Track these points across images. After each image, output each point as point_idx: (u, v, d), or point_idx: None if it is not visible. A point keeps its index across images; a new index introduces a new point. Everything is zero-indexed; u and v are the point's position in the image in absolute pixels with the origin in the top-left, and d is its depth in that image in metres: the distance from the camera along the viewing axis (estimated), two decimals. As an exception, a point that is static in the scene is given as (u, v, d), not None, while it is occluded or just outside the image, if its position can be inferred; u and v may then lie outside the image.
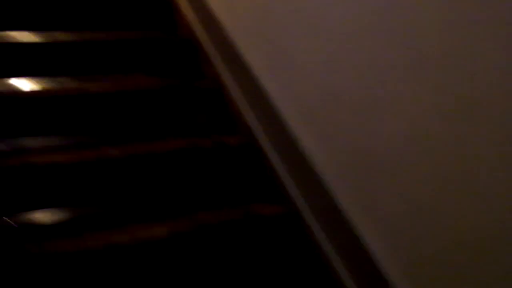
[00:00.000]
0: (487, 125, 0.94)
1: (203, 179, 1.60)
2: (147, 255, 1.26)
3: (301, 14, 1.46)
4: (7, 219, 1.33)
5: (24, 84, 1.74)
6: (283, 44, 1.56)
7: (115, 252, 1.23)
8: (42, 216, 1.37)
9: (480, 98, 0.94)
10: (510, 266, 0.91)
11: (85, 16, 2.10)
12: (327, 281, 1.34)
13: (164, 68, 2.02)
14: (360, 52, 1.22)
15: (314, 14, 1.40)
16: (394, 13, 1.12)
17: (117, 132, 1.71)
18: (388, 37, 1.14)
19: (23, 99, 1.59)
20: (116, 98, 1.71)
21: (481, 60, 0.94)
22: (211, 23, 1.97)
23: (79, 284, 1.19)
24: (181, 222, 1.35)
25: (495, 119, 0.92)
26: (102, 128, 1.69)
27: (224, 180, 1.63)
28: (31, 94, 1.60)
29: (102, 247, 1.20)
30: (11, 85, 1.72)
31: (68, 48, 1.88)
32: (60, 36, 1.91)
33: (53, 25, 2.03)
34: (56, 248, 1.21)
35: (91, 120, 1.68)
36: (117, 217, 1.41)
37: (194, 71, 2.06)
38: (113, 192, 1.48)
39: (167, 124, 1.79)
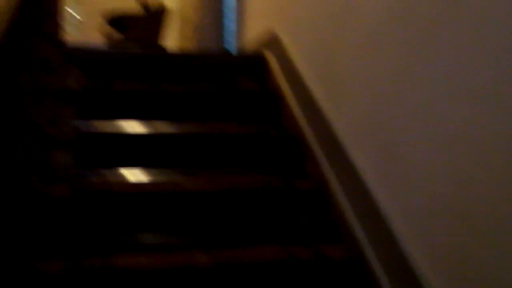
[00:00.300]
0: None
1: (299, 296, 1.41)
2: None
3: (421, 116, 1.28)
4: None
5: (119, 176, 1.69)
6: (397, 149, 1.37)
7: None
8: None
9: None
10: None
11: (190, 106, 2.07)
12: None
13: (265, 164, 1.90)
14: (502, 167, 1.01)
15: (438, 116, 1.21)
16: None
17: (210, 234, 1.58)
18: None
19: (115, 193, 1.52)
20: (212, 197, 1.60)
21: None
22: (317, 118, 1.85)
23: None
24: None
25: None
26: (195, 228, 1.58)
27: (323, 299, 1.43)
28: (123, 189, 1.53)
29: None
30: (105, 176, 1.67)
31: (169, 139, 1.83)
32: (162, 126, 1.88)
33: (157, 114, 2.01)
34: None
35: (183, 219, 1.57)
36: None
37: (297, 169, 1.92)
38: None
39: (264, 226, 1.64)
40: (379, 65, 1.47)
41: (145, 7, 4.13)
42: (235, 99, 2.12)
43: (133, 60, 2.24)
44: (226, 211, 1.61)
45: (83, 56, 2.16)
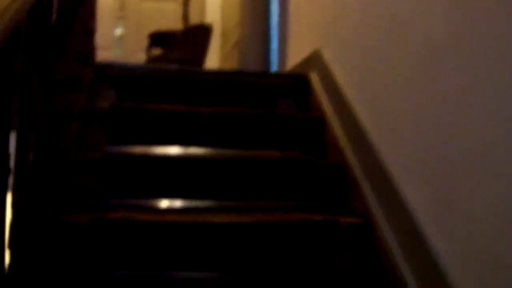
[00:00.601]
0: None
1: None
2: None
3: (485, 151, 1.10)
4: None
5: (144, 204, 1.57)
6: (455, 187, 1.19)
7: None
8: None
9: None
10: None
11: (226, 130, 1.93)
12: None
13: (303, 193, 1.74)
14: None
15: (506, 152, 1.03)
16: None
17: (241, 271, 1.43)
18: None
19: (136, 223, 1.38)
20: (243, 230, 1.45)
21: None
22: (363, 146, 1.68)
23: None
24: None
25: None
26: (227, 264, 1.43)
27: None
28: (146, 219, 1.39)
29: None
30: (129, 204, 1.55)
31: (202, 163, 1.69)
32: (196, 150, 1.76)
33: (190, 137, 1.89)
34: None
35: (213, 254, 1.42)
36: None
37: (339, 200, 1.75)
38: None
39: (299, 267, 1.47)
40: (435, 90, 1.30)
41: (187, 24, 4.06)
42: (274, 123, 1.97)
43: (167, 78, 2.13)
44: (258, 247, 1.45)
45: (116, 74, 2.06)
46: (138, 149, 1.72)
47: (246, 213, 1.57)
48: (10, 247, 1.08)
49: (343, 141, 1.82)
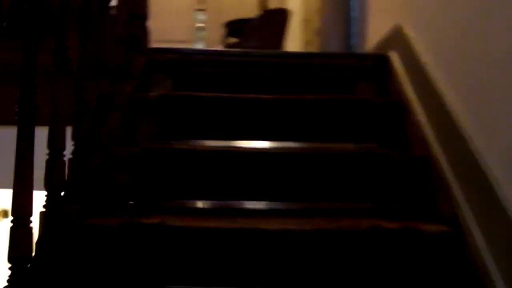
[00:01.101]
0: None
1: None
2: None
3: None
4: None
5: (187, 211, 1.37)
6: None
7: None
8: None
9: None
10: None
11: (293, 120, 1.69)
12: None
13: (380, 194, 1.46)
14: None
15: None
16: None
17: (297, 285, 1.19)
18: None
19: (172, 228, 1.18)
20: (301, 239, 1.20)
21: None
22: (454, 139, 1.38)
23: None
24: None
25: None
26: (280, 280, 1.20)
27: None
28: (187, 226, 1.19)
29: None
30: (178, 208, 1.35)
31: (260, 159, 1.46)
32: (254, 144, 1.54)
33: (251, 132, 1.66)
34: None
35: (265, 267, 1.20)
36: None
37: (421, 203, 1.45)
38: None
39: (374, 280, 1.20)
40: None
41: (264, 9, 3.84)
42: (346, 111, 1.69)
43: (228, 63, 1.92)
44: (318, 259, 1.20)
45: (171, 60, 1.88)
46: (185, 144, 1.52)
47: (306, 218, 1.32)
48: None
49: (428, 131, 1.52)
